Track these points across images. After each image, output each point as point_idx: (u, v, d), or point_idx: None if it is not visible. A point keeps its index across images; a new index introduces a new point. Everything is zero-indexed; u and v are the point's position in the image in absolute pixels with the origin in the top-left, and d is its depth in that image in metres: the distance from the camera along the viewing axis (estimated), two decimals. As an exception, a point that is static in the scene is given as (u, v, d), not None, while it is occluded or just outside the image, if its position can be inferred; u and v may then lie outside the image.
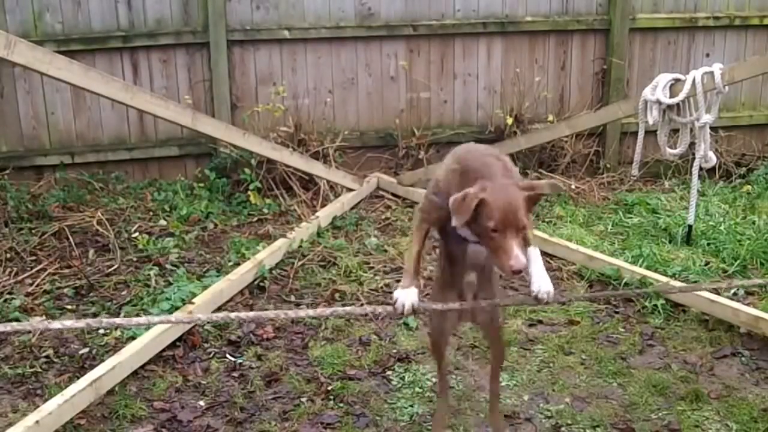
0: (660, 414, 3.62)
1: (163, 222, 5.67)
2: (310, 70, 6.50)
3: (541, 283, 2.70)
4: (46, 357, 4.03)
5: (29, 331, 3.89)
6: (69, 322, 2.36)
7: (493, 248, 2.54)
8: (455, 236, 2.79)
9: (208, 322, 4.16)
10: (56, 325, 2.30)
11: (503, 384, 3.85)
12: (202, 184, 6.15)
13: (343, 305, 4.60)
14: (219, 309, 4.47)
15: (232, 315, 2.55)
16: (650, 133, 5.22)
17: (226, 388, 3.83)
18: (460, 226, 2.57)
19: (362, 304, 4.59)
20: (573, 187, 6.36)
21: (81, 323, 2.45)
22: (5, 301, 4.51)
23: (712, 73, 4.80)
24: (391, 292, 4.66)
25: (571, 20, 6.73)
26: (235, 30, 6.26)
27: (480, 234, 2.59)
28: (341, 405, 3.70)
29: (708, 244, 5.28)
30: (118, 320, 2.77)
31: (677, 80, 4.99)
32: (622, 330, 4.36)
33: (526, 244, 2.61)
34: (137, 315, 4.40)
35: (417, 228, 2.88)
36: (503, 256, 2.50)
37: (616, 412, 3.64)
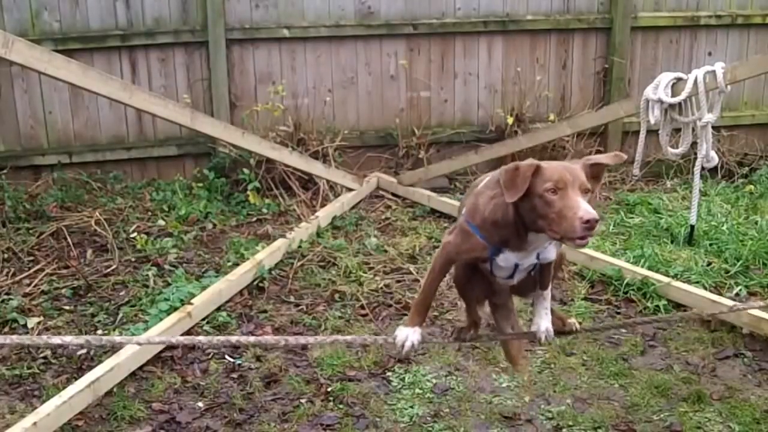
0: (662, 415, 3.60)
1: (161, 222, 5.64)
2: (309, 69, 6.47)
3: (541, 323, 2.66)
4: (44, 358, 4.01)
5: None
6: (69, 338, 2.35)
7: (555, 215, 2.20)
8: (491, 270, 2.55)
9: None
10: (56, 340, 2.29)
11: (503, 385, 3.83)
12: (200, 184, 6.12)
13: (343, 306, 4.58)
14: (218, 309, 4.45)
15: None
16: (652, 132, 5.19)
17: (225, 389, 3.81)
18: (513, 201, 2.26)
19: (362, 305, 4.58)
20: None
21: (80, 339, 2.43)
22: (2, 301, 4.49)
23: (714, 72, 4.77)
24: (391, 293, 4.71)
25: (573, 19, 6.70)
26: (234, 29, 6.23)
27: (536, 209, 2.25)
28: (341, 406, 3.68)
29: (710, 245, 5.24)
30: (104, 339, 2.78)
31: (679, 79, 4.96)
32: (624, 331, 4.33)
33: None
34: (135, 315, 4.39)
35: (439, 268, 2.56)
36: (569, 213, 2.17)
37: (617, 414, 3.61)
